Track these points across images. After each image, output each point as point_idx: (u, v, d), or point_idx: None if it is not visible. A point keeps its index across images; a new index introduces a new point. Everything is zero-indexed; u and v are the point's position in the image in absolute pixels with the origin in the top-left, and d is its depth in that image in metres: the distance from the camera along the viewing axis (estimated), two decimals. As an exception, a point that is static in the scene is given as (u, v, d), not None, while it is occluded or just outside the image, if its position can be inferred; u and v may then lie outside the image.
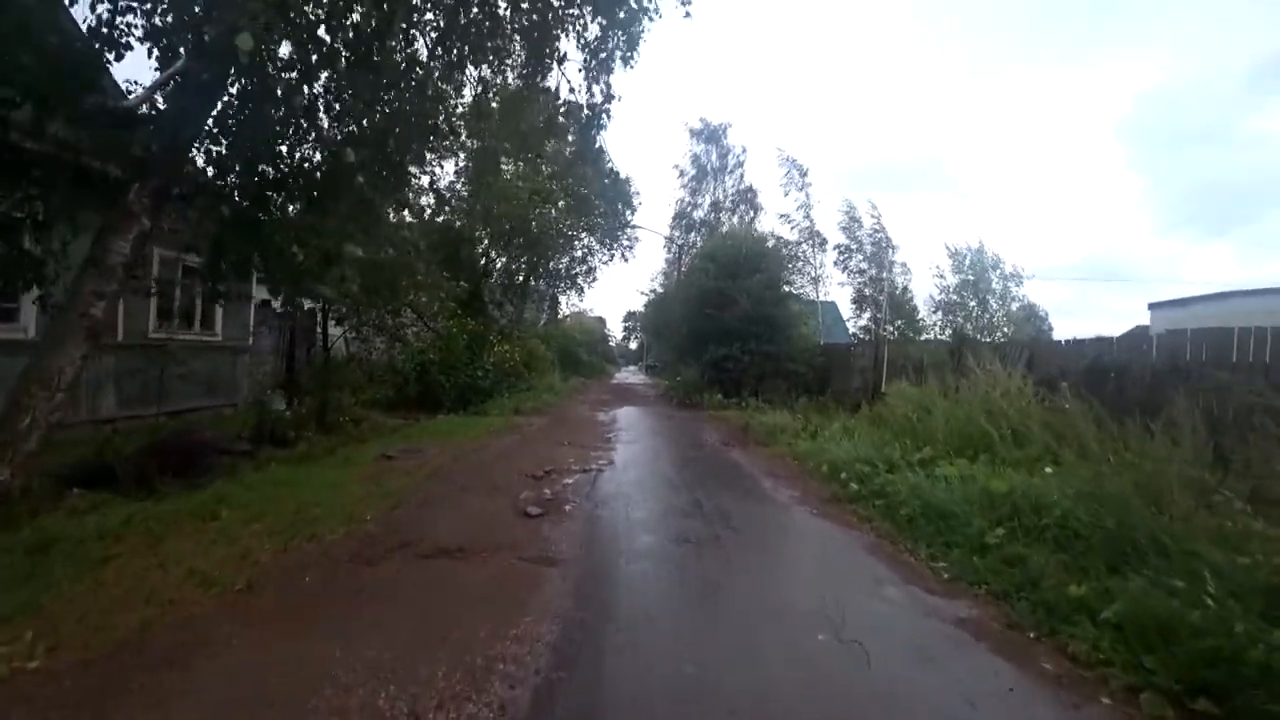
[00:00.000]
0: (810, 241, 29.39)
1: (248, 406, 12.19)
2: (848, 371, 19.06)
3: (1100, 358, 9.20)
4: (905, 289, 34.45)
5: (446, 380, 14.87)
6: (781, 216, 26.69)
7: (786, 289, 20.14)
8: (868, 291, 34.10)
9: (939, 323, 35.97)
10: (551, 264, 24.73)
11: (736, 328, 18.98)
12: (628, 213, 25.70)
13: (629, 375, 50.96)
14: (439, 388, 14.81)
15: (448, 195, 17.12)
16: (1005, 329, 33.88)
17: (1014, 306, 34.49)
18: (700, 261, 20.79)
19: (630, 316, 65.41)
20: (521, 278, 24.91)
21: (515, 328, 19.80)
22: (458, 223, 17.64)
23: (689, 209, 37.24)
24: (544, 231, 24.04)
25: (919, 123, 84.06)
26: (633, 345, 79.26)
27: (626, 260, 25.53)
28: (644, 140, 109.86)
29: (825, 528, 5.72)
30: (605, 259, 24.98)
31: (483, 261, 18.58)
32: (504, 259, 19.99)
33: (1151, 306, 17.57)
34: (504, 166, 18.63)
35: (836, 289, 42.83)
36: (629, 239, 25.36)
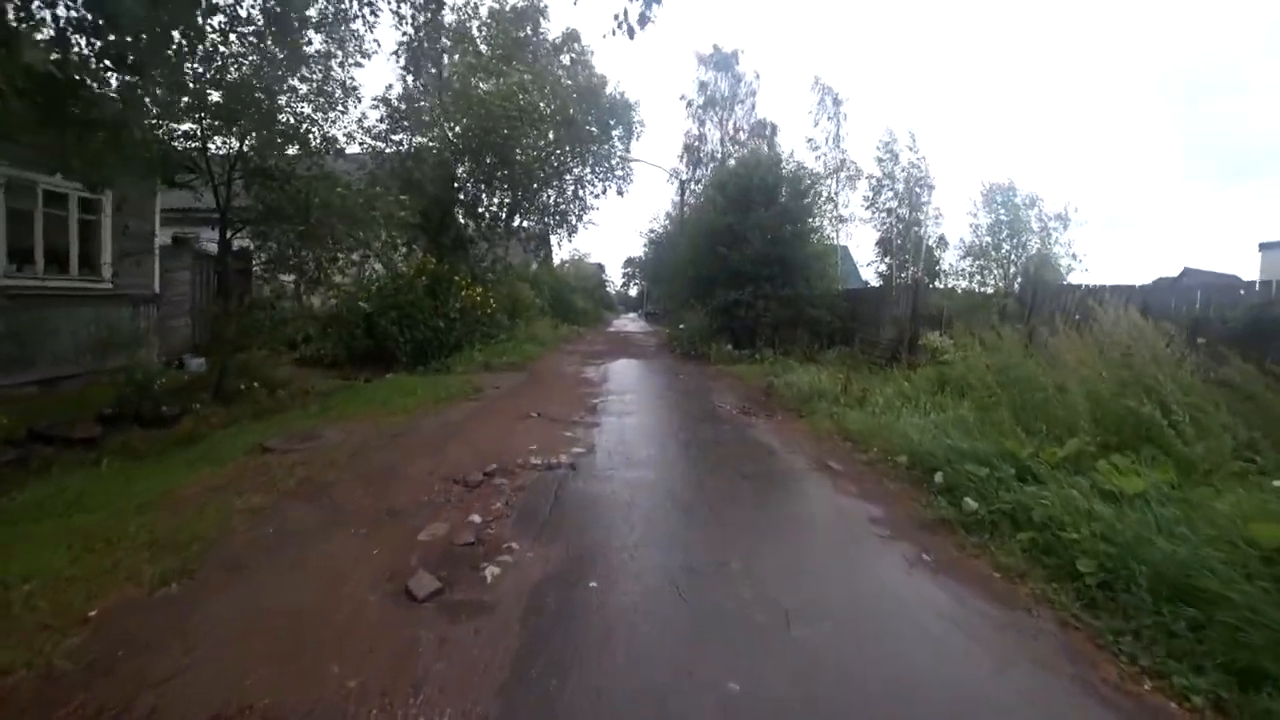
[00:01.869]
0: (837, 176, 26.25)
1: (152, 369, 9.63)
2: (876, 320, 16.45)
3: (1273, 306, 6.60)
4: (941, 238, 31.52)
5: (401, 331, 12.26)
6: (809, 142, 23.44)
7: (809, 222, 17.25)
8: (896, 230, 31.22)
9: (968, 268, 33.25)
10: (539, 198, 21.72)
11: (749, 269, 16.25)
12: (628, 141, 22.51)
13: (627, 323, 48.25)
14: (391, 340, 12.21)
15: (403, 109, 14.12)
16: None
17: (1058, 251, 31.50)
18: (708, 193, 17.87)
19: (630, 263, 62.23)
20: (505, 214, 21.95)
21: (496, 270, 16.99)
22: (421, 141, 14.65)
23: (696, 142, 33.89)
24: (530, 162, 21.03)
25: (954, 63, 78.65)
26: (632, 292, 76.34)
27: (622, 194, 22.54)
28: (653, 74, 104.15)
29: (952, 600, 3.19)
30: (598, 191, 21.92)
31: (457, 192, 15.67)
32: (483, 190, 17.07)
33: (1263, 247, 15.03)
34: (481, 85, 15.54)
35: (855, 230, 39.91)
36: (625, 169, 22.22)
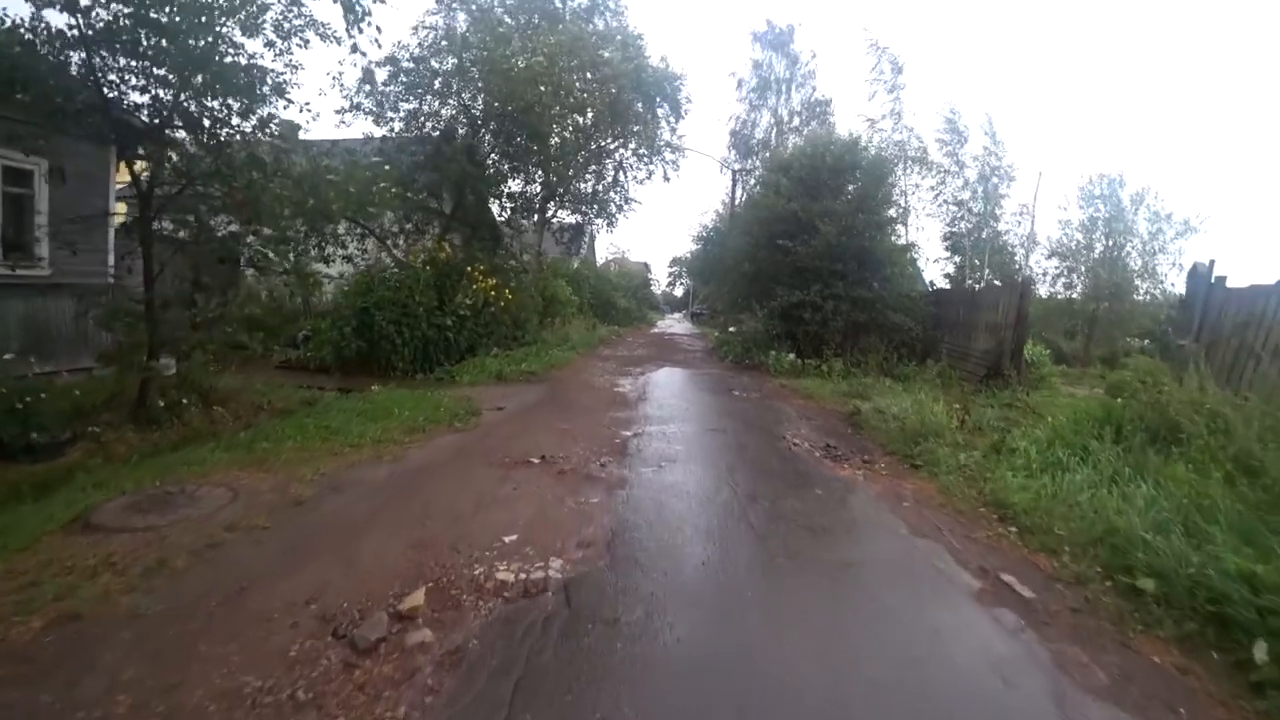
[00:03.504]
0: (901, 161, 23.24)
1: (104, 373, 7.74)
2: (968, 328, 13.71)
3: None
4: (1029, 236, 28.14)
5: (399, 332, 10.17)
6: (868, 122, 20.64)
7: (887, 212, 14.52)
8: (964, 227, 28.02)
9: (1053, 270, 29.66)
10: (574, 184, 19.51)
11: (816, 265, 13.68)
12: (674, 120, 20.08)
13: (673, 324, 45.87)
14: (388, 341, 10.14)
15: (414, 69, 12.00)
16: (1149, 286, 27.22)
17: (1165, 259, 27.67)
18: (768, 177, 15.33)
19: (676, 262, 59.56)
20: (538, 201, 19.83)
21: (521, 260, 14.76)
22: (433, 109, 12.52)
23: (747, 128, 31.23)
24: (566, 145, 18.84)
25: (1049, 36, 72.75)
26: (677, 292, 73.77)
27: (668, 179, 20.09)
28: (691, 53, 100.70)
29: None
30: (643, 176, 19.54)
31: (482, 171, 13.43)
32: (510, 171, 14.87)
33: None
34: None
35: (921, 224, 36.61)
36: (673, 150, 19.76)
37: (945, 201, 27.03)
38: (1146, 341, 27.62)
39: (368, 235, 12.99)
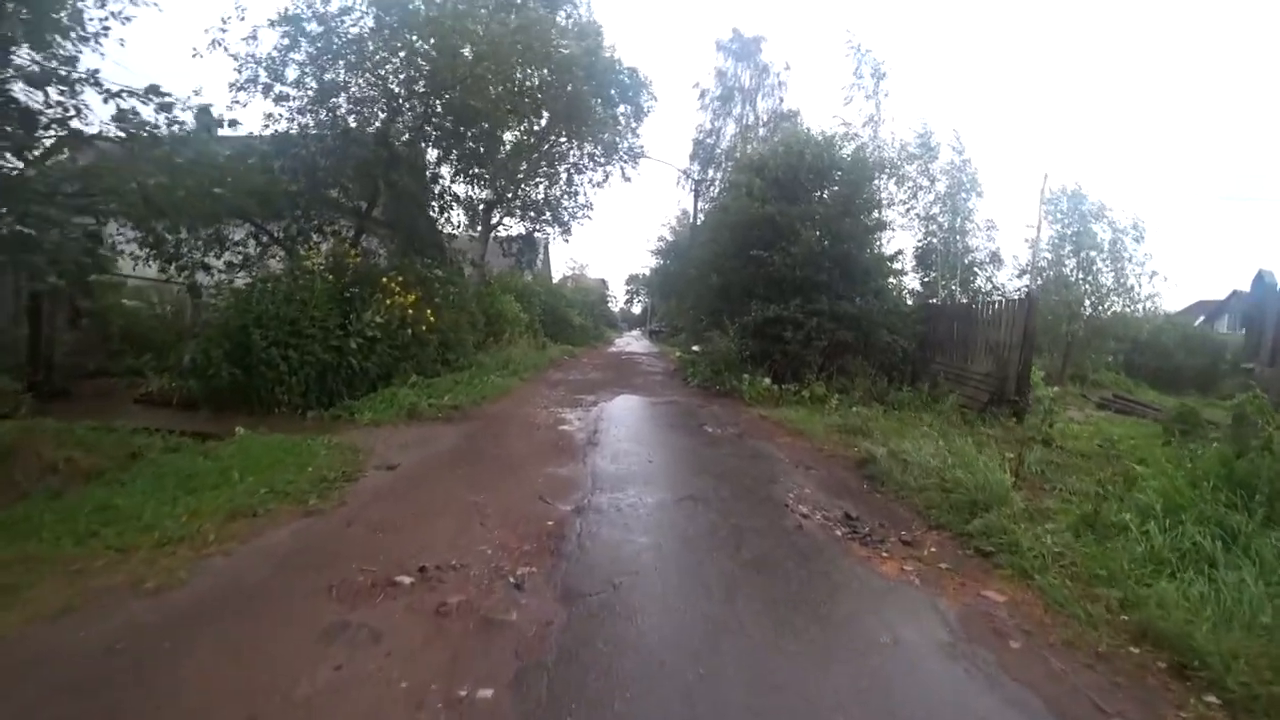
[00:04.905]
0: (879, 168, 21.89)
1: None
2: (964, 347, 12.24)
3: None
4: (994, 254, 27.20)
5: (284, 357, 7.97)
6: (844, 126, 19.21)
7: (875, 215, 12.90)
8: (936, 240, 26.99)
9: (1024, 289, 28.78)
10: (523, 188, 17.53)
11: (797, 275, 12.00)
12: (636, 122, 18.31)
13: (631, 341, 44.00)
14: (270, 368, 7.93)
15: (320, 31, 9.79)
16: (1116, 302, 26.52)
17: (1132, 270, 27.03)
18: (739, 179, 13.62)
19: (633, 280, 57.90)
20: (483, 208, 17.77)
21: (449, 271, 12.55)
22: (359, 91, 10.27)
23: (711, 137, 29.78)
24: (521, 148, 16.86)
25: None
26: (635, 309, 72.09)
27: (627, 179, 18.27)
28: (655, 61, 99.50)
29: None
30: (599, 178, 17.70)
31: (402, 158, 11.13)
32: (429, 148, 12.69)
33: None
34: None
35: (892, 238, 35.86)
36: (631, 145, 17.94)
37: (917, 215, 25.99)
38: (1111, 358, 26.91)
39: (263, 238, 10.78)
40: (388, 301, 8.73)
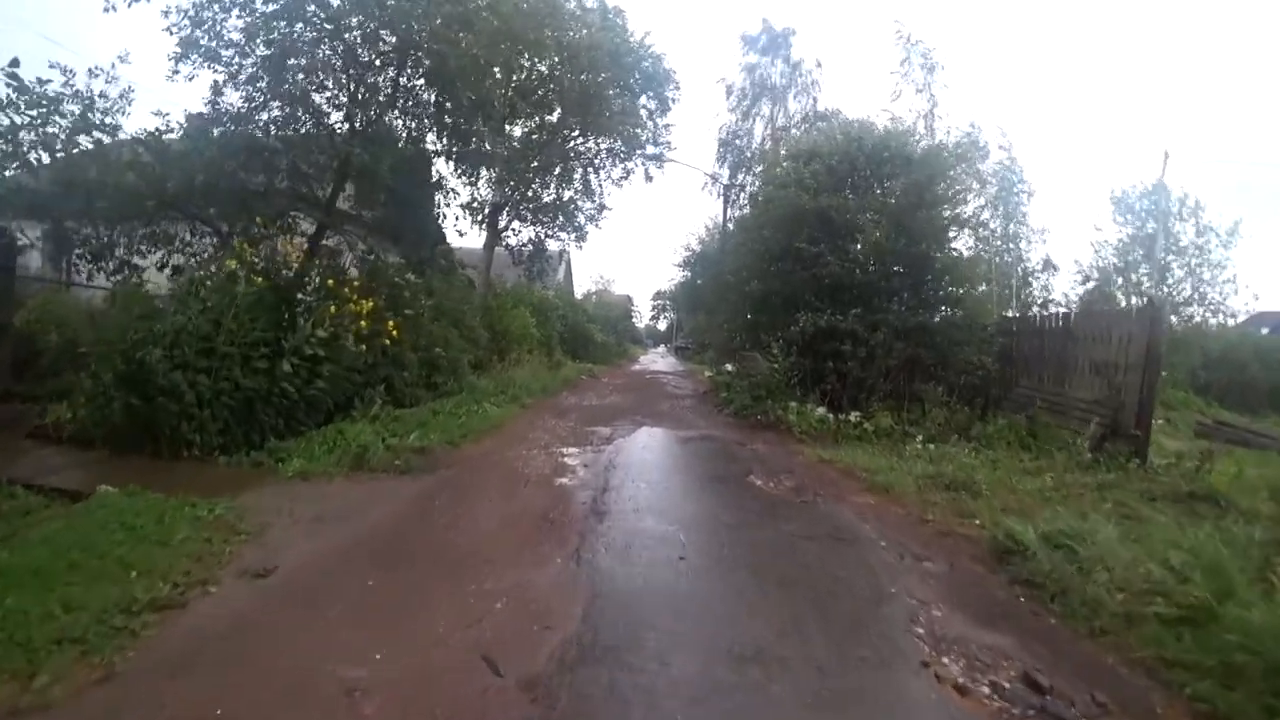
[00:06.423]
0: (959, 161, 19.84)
1: None
2: (1058, 368, 9.79)
3: None
4: (1047, 259, 24.74)
5: (191, 383, 5.95)
6: (893, 120, 17.12)
7: (952, 211, 10.58)
8: (984, 249, 24.72)
9: (1084, 297, 26.19)
10: (533, 188, 15.61)
11: (856, 280, 9.79)
12: (660, 116, 16.29)
13: (656, 358, 41.88)
14: (173, 399, 5.92)
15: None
16: (1196, 311, 23.81)
17: (1211, 276, 24.22)
18: (788, 168, 11.45)
19: (659, 295, 55.82)
20: (488, 210, 15.87)
21: (427, 273, 10.38)
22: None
23: (739, 138, 27.72)
24: (530, 144, 15.00)
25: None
26: (661, 325, 69.96)
27: (650, 178, 16.25)
28: (676, 56, 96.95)
29: None
30: (619, 175, 15.72)
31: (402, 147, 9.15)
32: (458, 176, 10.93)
33: None
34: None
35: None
36: (655, 142, 15.90)
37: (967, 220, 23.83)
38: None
39: (210, 236, 8.90)
40: (333, 309, 6.67)
